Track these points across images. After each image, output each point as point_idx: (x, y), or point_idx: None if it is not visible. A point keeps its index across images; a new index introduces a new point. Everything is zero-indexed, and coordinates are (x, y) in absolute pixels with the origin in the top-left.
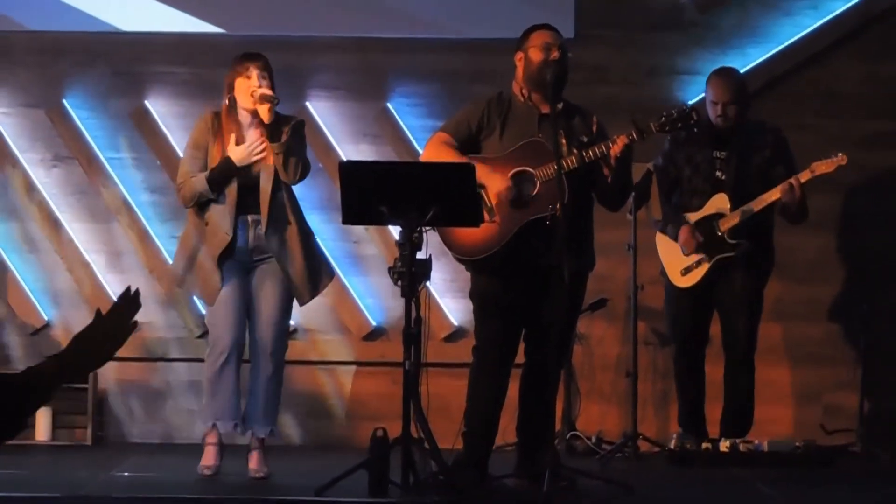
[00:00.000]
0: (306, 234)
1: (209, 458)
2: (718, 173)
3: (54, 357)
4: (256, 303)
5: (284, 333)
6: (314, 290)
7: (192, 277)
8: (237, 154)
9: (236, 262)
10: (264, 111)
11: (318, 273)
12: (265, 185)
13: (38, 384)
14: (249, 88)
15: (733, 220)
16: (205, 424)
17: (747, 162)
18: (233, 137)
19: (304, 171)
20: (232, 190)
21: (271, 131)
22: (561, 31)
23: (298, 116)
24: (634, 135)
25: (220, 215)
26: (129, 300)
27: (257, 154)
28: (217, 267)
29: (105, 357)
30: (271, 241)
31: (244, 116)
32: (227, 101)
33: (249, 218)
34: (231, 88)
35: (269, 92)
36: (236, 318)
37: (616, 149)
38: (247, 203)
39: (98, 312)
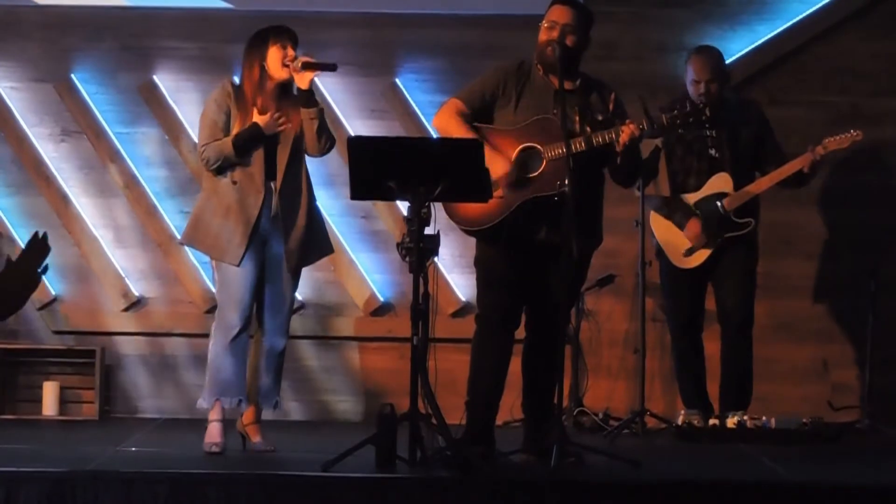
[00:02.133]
0: (314, 207)
1: (215, 434)
2: (712, 151)
3: None
4: (270, 277)
5: (292, 309)
6: (305, 260)
7: (212, 237)
8: (264, 121)
9: (256, 234)
10: (305, 78)
11: (314, 244)
12: (282, 154)
13: None
14: (283, 58)
15: (740, 199)
16: (206, 402)
17: (738, 139)
18: (255, 110)
19: (332, 143)
20: (259, 154)
21: (308, 97)
22: None
23: None
24: (644, 125)
25: (249, 177)
26: (38, 244)
27: (282, 125)
28: (250, 225)
29: (20, 301)
30: (283, 207)
31: (271, 86)
32: (258, 69)
33: (272, 185)
34: (263, 58)
35: (312, 59)
36: (249, 296)
37: (624, 137)
38: (271, 170)
39: (8, 259)
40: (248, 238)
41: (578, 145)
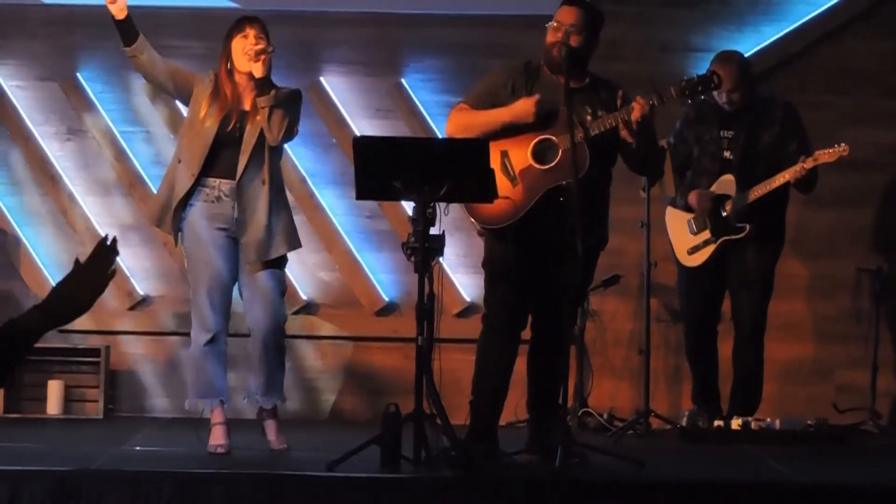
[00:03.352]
0: (278, 199)
1: (218, 437)
2: (726, 153)
3: (36, 308)
4: (251, 277)
5: (283, 304)
6: (265, 254)
7: (168, 217)
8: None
9: (225, 234)
10: (258, 67)
11: (278, 238)
12: (248, 140)
13: (21, 335)
14: (245, 49)
15: (738, 203)
16: (189, 405)
17: (755, 141)
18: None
19: (288, 132)
20: (202, 148)
21: (261, 86)
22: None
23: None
24: (654, 99)
25: (192, 157)
26: (108, 248)
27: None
28: (176, 210)
29: (86, 305)
30: (241, 195)
31: (241, 80)
32: (227, 66)
33: (233, 187)
34: (229, 52)
35: (261, 45)
36: (223, 297)
37: (635, 114)
38: (230, 171)
39: (77, 261)
40: (175, 219)
41: (596, 129)
